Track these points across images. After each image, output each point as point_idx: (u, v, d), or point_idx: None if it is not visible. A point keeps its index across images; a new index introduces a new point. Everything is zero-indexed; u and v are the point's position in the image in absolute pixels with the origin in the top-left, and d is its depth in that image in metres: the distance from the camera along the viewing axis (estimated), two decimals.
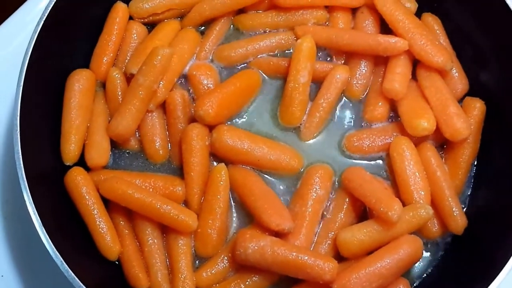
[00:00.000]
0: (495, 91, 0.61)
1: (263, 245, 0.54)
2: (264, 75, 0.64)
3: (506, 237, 0.54)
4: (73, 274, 0.51)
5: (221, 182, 0.57)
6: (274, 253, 0.54)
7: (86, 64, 0.63)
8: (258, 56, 0.64)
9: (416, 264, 0.59)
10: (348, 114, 0.63)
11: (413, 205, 0.56)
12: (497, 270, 0.51)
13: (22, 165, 0.53)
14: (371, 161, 0.61)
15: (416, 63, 0.62)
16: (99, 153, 0.59)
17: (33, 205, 0.52)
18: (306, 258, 0.54)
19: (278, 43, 0.64)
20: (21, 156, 0.53)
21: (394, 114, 0.62)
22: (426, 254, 0.59)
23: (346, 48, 0.63)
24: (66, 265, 0.51)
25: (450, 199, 0.58)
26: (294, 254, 0.54)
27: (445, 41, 0.64)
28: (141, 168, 0.61)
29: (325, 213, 0.59)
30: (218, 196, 0.57)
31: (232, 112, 0.62)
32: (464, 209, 0.60)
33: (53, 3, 0.58)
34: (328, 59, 0.64)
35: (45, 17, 0.57)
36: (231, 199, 0.59)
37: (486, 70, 0.62)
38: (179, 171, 0.60)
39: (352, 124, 0.63)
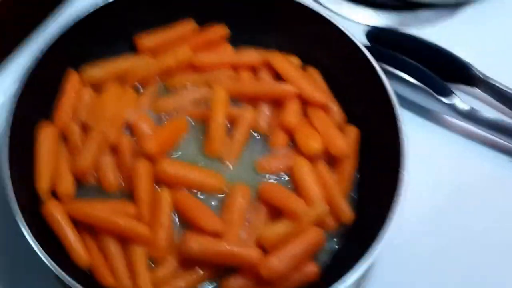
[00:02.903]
0: (364, 120, 0.81)
1: (203, 243, 0.70)
2: (191, 120, 0.81)
3: (378, 222, 0.70)
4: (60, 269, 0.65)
5: (165, 201, 0.73)
6: (213, 248, 0.70)
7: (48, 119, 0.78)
8: (184, 107, 0.81)
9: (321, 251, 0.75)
10: (258, 145, 0.81)
11: (313, 204, 0.74)
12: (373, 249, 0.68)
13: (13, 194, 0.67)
14: (280, 178, 0.79)
15: (304, 103, 0.82)
16: (66, 184, 0.74)
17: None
18: (235, 249, 0.70)
19: (198, 95, 0.82)
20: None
21: (293, 142, 0.80)
22: (328, 243, 0.76)
23: (250, 95, 0.82)
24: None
25: (340, 198, 0.76)
26: (229, 247, 0.70)
27: (323, 86, 0.84)
28: (99, 197, 0.76)
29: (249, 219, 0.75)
30: (163, 211, 0.72)
31: (168, 148, 0.78)
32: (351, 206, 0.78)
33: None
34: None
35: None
36: (174, 214, 0.75)
37: (355, 105, 0.82)
38: (131, 199, 0.75)
39: (262, 152, 0.80)
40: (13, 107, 0.72)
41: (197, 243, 0.70)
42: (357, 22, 0.98)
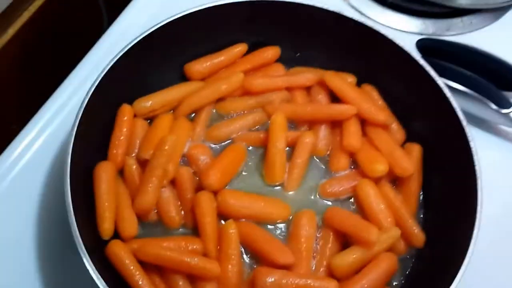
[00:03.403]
0: (426, 136, 0.79)
1: (278, 277, 0.68)
2: (248, 145, 0.79)
3: (454, 245, 0.69)
4: None
5: (232, 235, 0.71)
6: (287, 282, 0.68)
7: (104, 157, 0.75)
8: (240, 133, 0.80)
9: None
10: (318, 167, 0.79)
11: (384, 228, 0.72)
12: (455, 271, 0.65)
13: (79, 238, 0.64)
14: (342, 201, 0.77)
15: (363, 122, 0.79)
16: (130, 226, 0.71)
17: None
18: (310, 281, 0.68)
19: (253, 120, 0.80)
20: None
21: (353, 163, 0.78)
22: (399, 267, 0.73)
23: (308, 117, 0.80)
24: None
25: (409, 220, 0.74)
26: (304, 280, 0.68)
27: (382, 103, 0.82)
28: (162, 234, 0.73)
29: (316, 247, 0.73)
30: (232, 245, 0.70)
31: (229, 178, 0.76)
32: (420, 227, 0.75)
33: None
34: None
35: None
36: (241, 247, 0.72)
37: (415, 121, 0.80)
38: (194, 232, 0.73)
39: (323, 175, 0.78)
40: (70, 146, 0.69)
41: (272, 277, 0.68)
42: (402, 31, 0.95)
